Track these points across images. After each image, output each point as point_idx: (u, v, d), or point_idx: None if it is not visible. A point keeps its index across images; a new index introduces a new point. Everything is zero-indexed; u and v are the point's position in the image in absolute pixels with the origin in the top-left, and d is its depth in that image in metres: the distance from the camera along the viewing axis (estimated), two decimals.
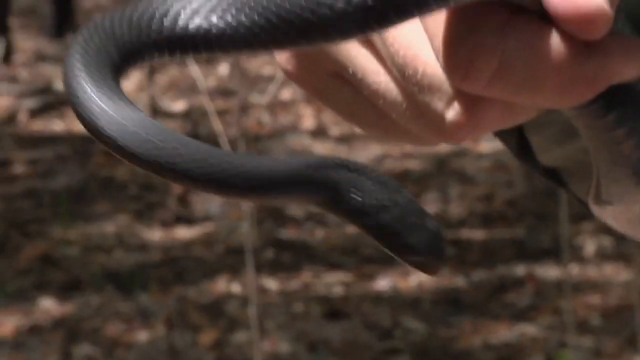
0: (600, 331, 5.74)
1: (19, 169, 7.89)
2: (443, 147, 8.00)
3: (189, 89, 8.69)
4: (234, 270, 6.37)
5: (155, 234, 6.96)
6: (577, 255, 6.27)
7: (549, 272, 6.33)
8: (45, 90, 9.35)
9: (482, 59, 0.69)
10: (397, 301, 6.18)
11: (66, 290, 6.27)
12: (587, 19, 0.67)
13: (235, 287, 6.28)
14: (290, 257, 6.58)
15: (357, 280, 6.38)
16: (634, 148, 0.77)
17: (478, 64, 0.69)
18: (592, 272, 6.30)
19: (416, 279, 6.35)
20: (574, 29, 0.68)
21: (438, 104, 0.73)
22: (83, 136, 8.47)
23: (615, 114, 0.76)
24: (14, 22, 10.73)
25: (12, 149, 8.19)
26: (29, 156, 8.03)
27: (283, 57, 0.81)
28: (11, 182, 7.73)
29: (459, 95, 0.73)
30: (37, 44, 10.81)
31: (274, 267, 6.43)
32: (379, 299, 6.19)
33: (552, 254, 6.21)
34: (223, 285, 6.33)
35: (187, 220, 7.06)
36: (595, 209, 0.88)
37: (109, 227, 7.06)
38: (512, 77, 0.70)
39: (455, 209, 7.33)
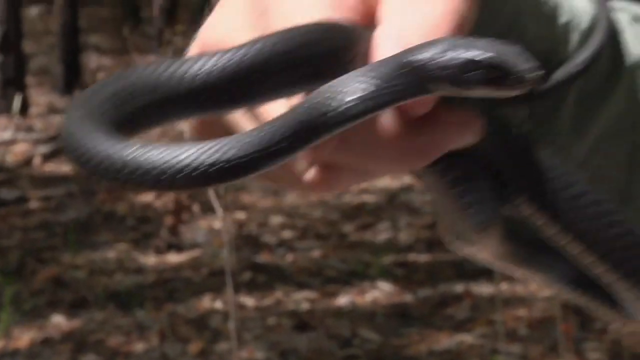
0: (527, 339, 5.70)
1: (34, 204, 7.77)
2: (394, 183, 7.81)
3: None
4: (217, 289, 6.29)
5: (149, 259, 6.86)
6: (507, 275, 5.77)
7: (483, 289, 6.25)
8: (56, 137, 9.06)
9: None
10: (355, 315, 6.08)
11: (74, 307, 6.19)
12: None
13: (218, 304, 6.19)
14: (264, 278, 6.50)
15: (321, 297, 6.30)
16: (469, 205, 0.76)
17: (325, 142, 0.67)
18: (519, 288, 6.17)
19: (371, 296, 6.30)
20: (401, 107, 0.66)
21: (300, 167, 0.71)
22: (88, 176, 8.48)
23: (452, 175, 0.75)
24: (29, 80, 10.49)
25: (28, 188, 8.05)
26: (43, 194, 7.90)
27: (194, 122, 0.77)
28: (27, 216, 7.60)
29: (315, 161, 0.70)
30: (49, 98, 10.56)
31: (250, 287, 6.35)
32: (339, 313, 6.11)
33: (486, 273, 6.02)
34: (207, 302, 6.24)
35: (177, 247, 6.96)
36: (455, 245, 0.85)
37: (111, 254, 6.97)
38: (350, 150, 0.69)
39: (404, 236, 7.13)
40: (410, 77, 0.65)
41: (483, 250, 0.85)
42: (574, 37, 0.91)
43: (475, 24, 0.76)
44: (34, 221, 7.57)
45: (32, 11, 13.40)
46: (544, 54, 0.88)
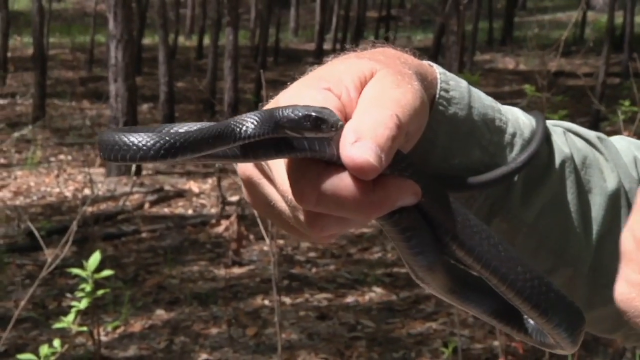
0: (474, 325, 5.64)
1: (144, 235, 7.77)
2: None
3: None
4: (265, 292, 6.31)
5: (220, 272, 6.84)
6: None
7: None
8: (158, 190, 9.20)
9: (308, 193, 0.67)
10: (358, 309, 6.07)
11: (171, 304, 6.22)
12: (361, 169, 0.66)
13: (266, 302, 6.18)
14: (297, 284, 6.48)
15: (335, 297, 6.28)
16: (415, 250, 0.75)
17: (306, 197, 0.67)
18: None
19: (369, 296, 6.25)
20: (355, 173, 0.67)
21: (300, 216, 0.71)
22: (180, 215, 8.43)
23: (401, 226, 0.73)
24: None
25: (140, 224, 8.04)
26: (150, 228, 7.89)
27: (242, 167, 0.78)
28: (140, 242, 7.61)
29: (305, 211, 0.70)
30: (154, 165, 10.17)
31: (288, 290, 6.32)
32: (347, 308, 6.08)
33: None
34: (259, 301, 6.23)
35: (239, 263, 6.95)
36: (417, 281, 0.82)
37: (195, 268, 6.97)
38: (328, 202, 0.67)
39: (390, 255, 7.07)
40: (273, 122, 0.69)
41: (431, 286, 0.82)
42: (518, 142, 0.91)
43: (438, 129, 0.84)
44: (144, 246, 7.58)
45: (144, 107, 13.51)
46: (497, 155, 0.89)
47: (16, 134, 12.04)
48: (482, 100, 0.90)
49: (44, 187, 9.60)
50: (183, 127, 0.76)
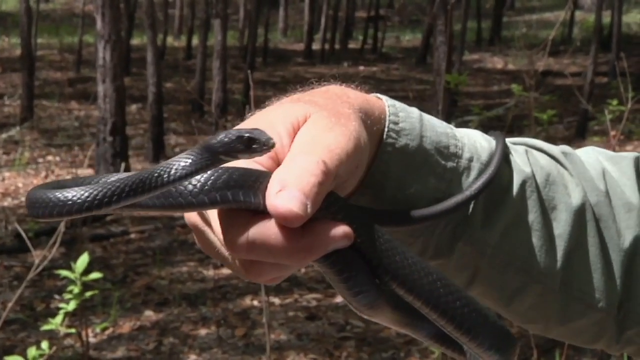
0: None
1: (133, 236, 7.75)
2: None
3: None
4: (254, 292, 6.29)
5: (209, 272, 6.82)
6: None
7: None
8: None
9: (238, 242, 0.68)
10: (347, 309, 5.91)
11: (159, 305, 6.21)
12: (285, 218, 0.66)
13: (255, 302, 6.18)
14: (286, 284, 6.41)
15: (324, 297, 6.27)
16: (354, 290, 0.75)
17: (236, 246, 0.68)
18: None
19: None
20: (281, 222, 0.67)
21: (237, 262, 0.71)
22: (169, 216, 8.20)
23: (339, 266, 0.73)
24: (130, 153, 10.47)
25: (129, 225, 8.02)
26: (139, 228, 7.87)
27: (187, 215, 0.78)
28: (129, 243, 7.59)
29: (240, 259, 0.71)
30: (143, 165, 10.54)
31: (277, 290, 6.28)
32: (337, 308, 6.06)
33: None
34: (248, 301, 6.23)
35: None
36: (360, 314, 0.82)
37: (184, 268, 6.95)
38: (258, 251, 0.68)
39: None
40: (208, 151, 0.69)
41: (377, 319, 0.82)
42: (475, 167, 0.91)
43: (389, 161, 0.85)
44: (133, 247, 7.56)
45: (133, 108, 13.48)
46: (453, 180, 0.89)
47: (4, 135, 12.00)
48: (435, 128, 0.90)
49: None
50: (114, 177, 0.77)
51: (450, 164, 0.90)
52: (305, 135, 0.74)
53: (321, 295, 6.35)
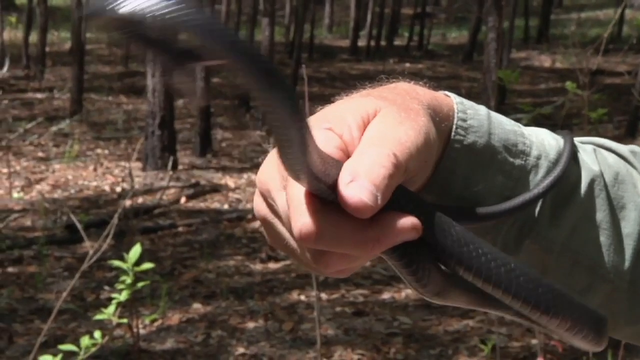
0: (511, 324, 5.54)
1: (180, 229, 7.78)
2: None
3: None
4: (301, 287, 6.32)
5: (257, 266, 6.85)
6: None
7: None
8: (195, 185, 9.21)
9: (308, 230, 0.67)
10: (395, 306, 6.05)
11: (207, 298, 6.23)
12: (355, 208, 0.66)
13: (302, 297, 6.18)
14: (333, 279, 6.35)
15: (371, 293, 6.26)
16: (421, 280, 0.75)
17: (305, 234, 0.67)
18: None
19: (405, 293, 6.21)
20: (351, 213, 0.67)
21: (307, 254, 0.71)
22: (216, 210, 8.44)
23: (407, 258, 0.74)
24: (178, 147, 10.56)
25: (177, 218, 8.08)
26: (186, 222, 7.91)
27: (257, 207, 0.78)
28: (176, 237, 7.61)
29: (309, 249, 0.70)
30: (190, 159, 10.59)
31: (324, 286, 6.30)
32: (384, 304, 6.06)
33: None
34: (295, 296, 6.23)
35: (275, 258, 6.93)
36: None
37: (231, 262, 6.97)
38: (327, 240, 0.68)
39: None
40: None
41: (449, 303, 0.83)
42: (544, 165, 0.91)
43: (457, 159, 0.86)
44: (180, 240, 7.58)
45: (181, 102, 13.56)
46: (521, 178, 0.90)
47: (54, 128, 12.15)
48: (503, 126, 0.90)
49: (82, 181, 9.67)
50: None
51: (518, 162, 0.89)
52: (376, 129, 0.74)
53: (368, 291, 6.35)
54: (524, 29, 22.17)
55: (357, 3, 21.59)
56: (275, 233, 0.76)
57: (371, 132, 0.74)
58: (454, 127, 0.86)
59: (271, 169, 0.74)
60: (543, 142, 0.93)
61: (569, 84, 4.69)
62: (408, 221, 0.70)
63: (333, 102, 0.82)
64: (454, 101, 0.88)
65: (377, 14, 21.42)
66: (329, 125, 0.74)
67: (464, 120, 0.87)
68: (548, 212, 0.92)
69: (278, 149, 0.63)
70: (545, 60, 19.87)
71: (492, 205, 0.88)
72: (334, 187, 0.68)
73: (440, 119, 0.83)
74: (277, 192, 0.73)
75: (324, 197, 0.68)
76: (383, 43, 21.81)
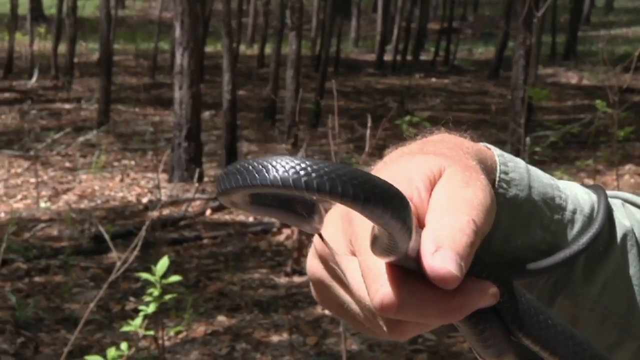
0: None
1: (206, 241, 7.80)
2: None
3: None
4: None
5: (281, 280, 6.85)
6: None
7: None
8: None
9: (389, 301, 0.67)
10: None
11: (232, 311, 6.23)
12: (443, 279, 0.66)
13: (327, 312, 5.98)
14: None
15: None
16: (487, 341, 0.76)
17: (387, 305, 0.67)
18: None
19: None
20: (437, 283, 0.66)
21: (379, 322, 0.71)
22: (241, 222, 8.41)
23: (474, 320, 0.74)
24: (204, 159, 10.62)
25: (202, 230, 8.10)
26: (212, 234, 7.91)
27: (312, 269, 0.78)
28: (201, 248, 7.64)
29: (385, 318, 0.70)
30: (216, 171, 10.53)
31: None
32: None
33: None
34: (320, 310, 6.17)
35: (299, 272, 6.89)
36: None
37: (256, 275, 6.98)
38: (409, 311, 0.67)
39: None
40: None
41: None
42: (579, 219, 0.91)
43: (499, 213, 0.82)
44: (205, 252, 7.61)
45: (206, 114, 13.64)
46: (558, 233, 0.89)
47: (81, 139, 12.26)
48: (541, 179, 0.90)
49: (108, 192, 9.74)
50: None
51: (556, 216, 0.89)
52: (445, 191, 0.74)
53: None
54: (551, 45, 22.10)
55: (384, 17, 21.63)
56: (330, 295, 0.76)
57: (441, 194, 0.74)
58: (497, 180, 0.86)
59: (335, 233, 0.73)
60: (577, 195, 0.93)
61: (599, 102, 4.67)
62: (488, 289, 0.71)
63: (385, 156, 0.82)
64: (495, 153, 0.88)
65: (404, 29, 21.42)
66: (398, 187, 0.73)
67: (506, 174, 0.87)
68: (582, 268, 0.91)
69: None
70: (572, 77, 19.79)
71: (538, 261, 0.88)
72: (414, 255, 0.67)
73: (487, 173, 0.82)
74: (342, 257, 0.72)
75: (404, 266, 0.68)
76: (409, 58, 21.81)
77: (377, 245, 0.66)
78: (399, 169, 0.77)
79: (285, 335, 5.78)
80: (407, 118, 10.15)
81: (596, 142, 9.28)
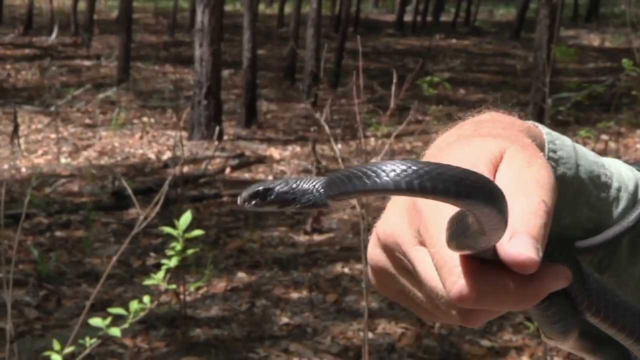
0: None
1: (225, 199, 7.82)
2: None
3: None
4: (345, 260, 6.33)
5: (301, 238, 6.89)
6: None
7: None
8: (240, 155, 9.27)
9: (468, 292, 0.66)
10: None
11: (251, 268, 6.25)
12: (523, 265, 0.65)
13: (346, 270, 6.17)
14: None
15: None
16: (555, 320, 0.77)
17: (466, 296, 0.66)
18: None
19: None
20: (517, 270, 0.65)
21: (452, 312, 0.70)
22: (261, 180, 8.64)
23: (554, 307, 0.75)
24: (224, 117, 10.65)
25: (222, 188, 8.12)
26: (231, 192, 7.92)
27: (374, 257, 0.77)
28: (221, 206, 7.68)
29: (459, 308, 0.69)
30: (235, 130, 10.69)
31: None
32: None
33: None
34: (339, 268, 6.23)
35: (319, 231, 6.97)
36: (545, 339, 0.85)
37: (275, 233, 7.01)
38: (489, 300, 0.67)
39: None
40: None
41: (565, 345, 0.85)
42: (624, 197, 0.90)
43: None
44: (225, 210, 7.63)
45: (225, 73, 13.60)
46: (604, 211, 0.89)
47: (101, 95, 12.27)
48: (587, 157, 0.89)
49: (128, 148, 9.76)
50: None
51: (602, 194, 0.88)
52: (510, 173, 0.73)
53: None
54: (574, 7, 21.86)
55: None
56: (393, 284, 0.76)
57: (506, 176, 0.73)
58: (546, 158, 0.84)
59: (400, 223, 0.72)
60: (621, 173, 0.92)
61: (625, 62, 4.62)
62: (561, 272, 0.71)
63: (437, 139, 0.81)
64: (542, 132, 0.87)
65: None
66: None
67: (554, 152, 0.86)
68: (627, 246, 0.91)
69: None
70: (594, 40, 19.58)
71: (587, 239, 0.88)
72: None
73: None
74: (410, 247, 0.71)
75: (479, 256, 0.67)
76: (429, 19, 21.65)
77: (469, 238, 0.64)
78: (460, 154, 0.75)
79: (305, 293, 5.82)
80: (428, 78, 10.10)
81: (619, 104, 9.22)
